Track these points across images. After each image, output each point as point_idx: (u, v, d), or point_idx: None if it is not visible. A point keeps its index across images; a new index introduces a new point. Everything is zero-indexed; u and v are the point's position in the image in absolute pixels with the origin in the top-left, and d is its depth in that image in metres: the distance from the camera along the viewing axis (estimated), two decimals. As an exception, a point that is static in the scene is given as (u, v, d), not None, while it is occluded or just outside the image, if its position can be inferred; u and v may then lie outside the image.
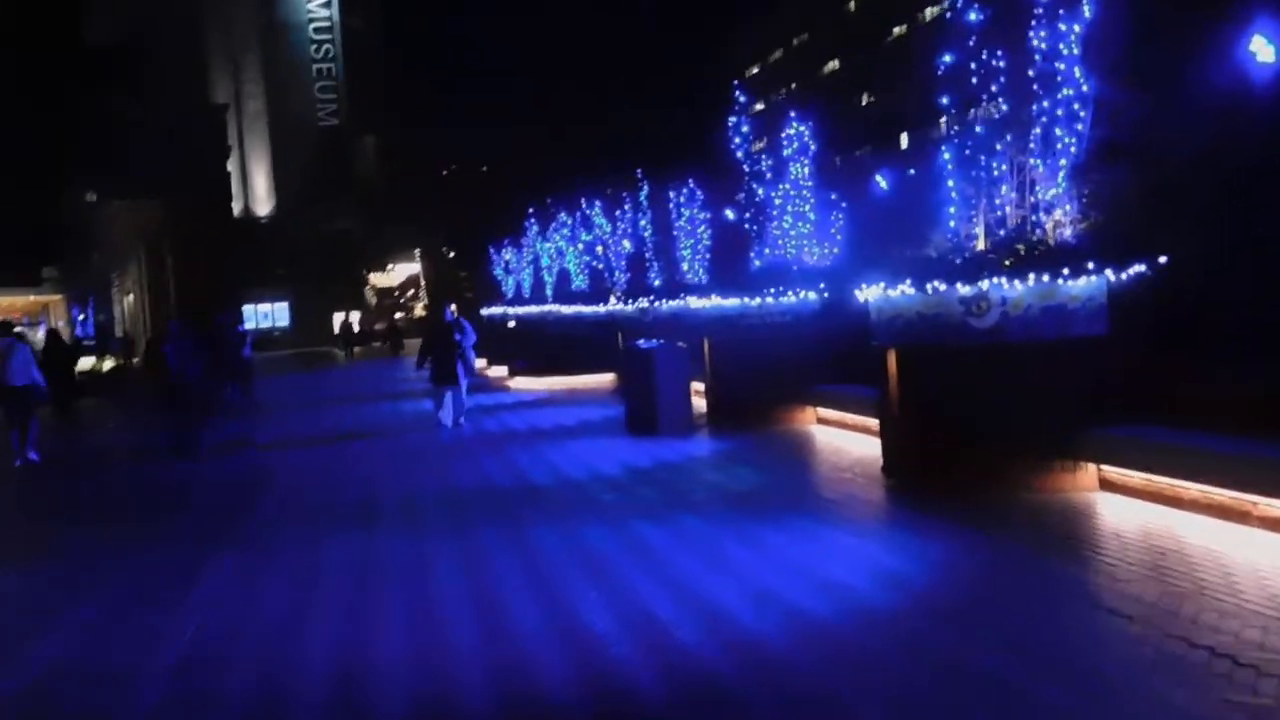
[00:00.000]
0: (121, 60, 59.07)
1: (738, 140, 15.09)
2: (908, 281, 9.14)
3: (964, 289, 8.81)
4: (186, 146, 57.53)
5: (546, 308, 31.75)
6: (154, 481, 13.47)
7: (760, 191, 14.87)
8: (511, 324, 35.66)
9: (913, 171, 14.82)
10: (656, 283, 21.06)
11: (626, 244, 23.89)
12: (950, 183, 9.57)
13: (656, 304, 19.35)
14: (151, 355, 14.16)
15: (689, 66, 77.95)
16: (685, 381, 14.47)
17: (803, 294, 13.79)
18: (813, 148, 14.48)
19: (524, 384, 23.47)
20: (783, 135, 14.62)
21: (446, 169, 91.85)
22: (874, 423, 12.05)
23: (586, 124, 76.64)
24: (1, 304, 49.41)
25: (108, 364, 36.92)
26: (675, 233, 20.37)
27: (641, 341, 15.11)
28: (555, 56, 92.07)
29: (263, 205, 75.44)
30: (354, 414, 19.87)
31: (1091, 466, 8.68)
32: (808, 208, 14.55)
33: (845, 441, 12.34)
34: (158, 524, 10.53)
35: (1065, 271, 8.46)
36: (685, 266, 20.10)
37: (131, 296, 54.19)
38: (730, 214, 18.00)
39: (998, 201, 9.55)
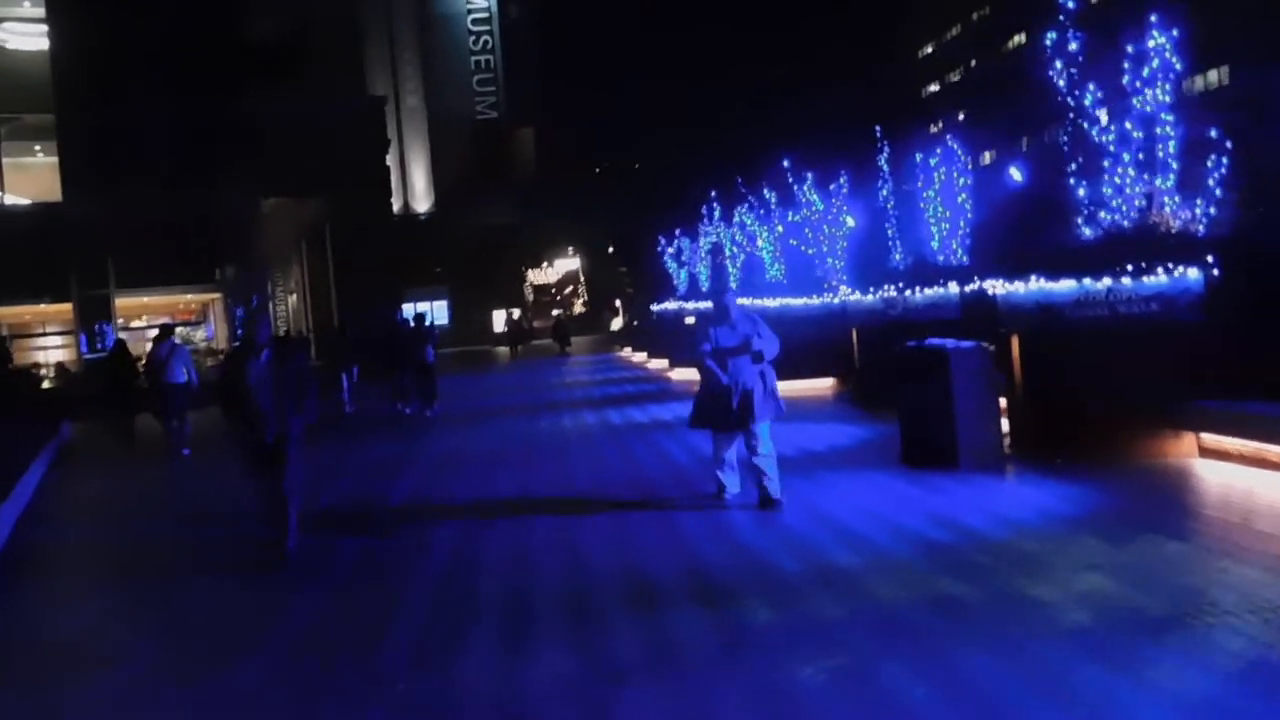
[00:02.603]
0: (281, 58, 58.13)
1: (1059, 64, 10.97)
2: None
3: None
4: (347, 141, 56.10)
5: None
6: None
7: (1093, 130, 10.74)
8: (690, 320, 32.19)
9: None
10: (900, 266, 17.06)
11: (850, 221, 19.84)
12: None
13: (907, 293, 15.32)
14: (228, 379, 8.37)
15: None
16: (994, 397, 10.48)
17: (1178, 271, 9.61)
18: (1177, 66, 10.28)
19: (725, 391, 19.69)
20: (1128, 51, 10.46)
21: (607, 160, 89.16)
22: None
23: (783, 90, 71.98)
24: (176, 304, 48.74)
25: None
26: (922, 203, 16.32)
27: (918, 341, 11.17)
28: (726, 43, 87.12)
29: (421, 201, 74.08)
30: (539, 431, 16.49)
31: None
32: (1167, 150, 10.35)
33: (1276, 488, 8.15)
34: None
35: None
36: (935, 244, 16.06)
37: (295, 296, 53.03)
38: (1015, 172, 13.88)
39: None
